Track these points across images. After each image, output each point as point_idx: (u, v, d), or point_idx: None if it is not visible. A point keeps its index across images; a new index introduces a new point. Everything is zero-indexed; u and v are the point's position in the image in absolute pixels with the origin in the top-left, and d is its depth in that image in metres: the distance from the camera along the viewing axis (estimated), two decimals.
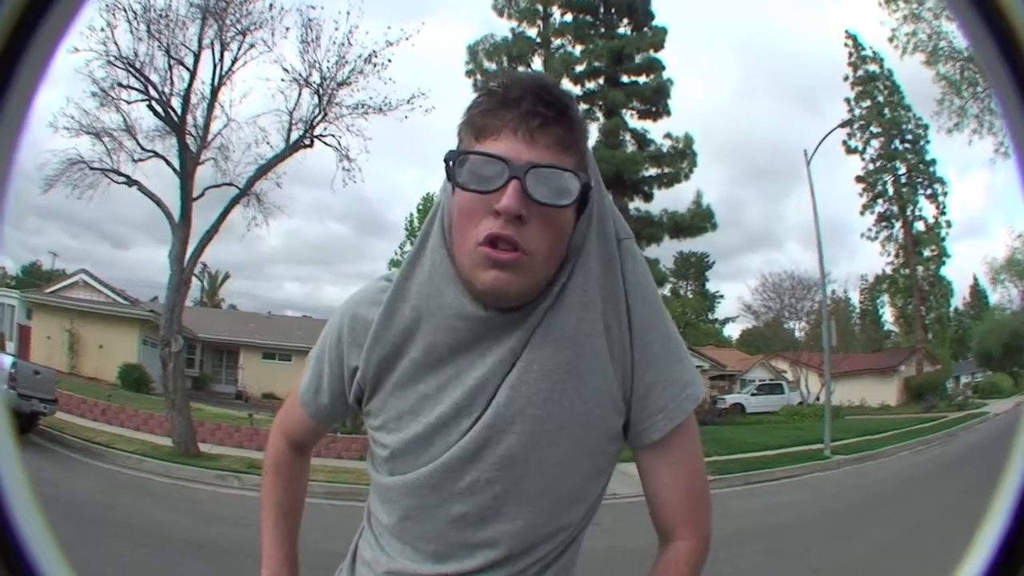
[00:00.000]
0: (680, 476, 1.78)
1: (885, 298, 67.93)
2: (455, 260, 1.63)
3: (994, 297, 68.07)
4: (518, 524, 1.68)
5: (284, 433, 2.10)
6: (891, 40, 45.36)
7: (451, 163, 1.58)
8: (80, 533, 9.00)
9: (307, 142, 23.40)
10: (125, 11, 20.97)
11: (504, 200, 1.50)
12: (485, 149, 1.56)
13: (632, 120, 46.39)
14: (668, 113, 45.96)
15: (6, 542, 1.02)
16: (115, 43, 21.04)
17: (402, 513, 1.76)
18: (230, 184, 23.45)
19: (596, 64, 46.07)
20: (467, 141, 1.63)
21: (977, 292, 76.66)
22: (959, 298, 70.75)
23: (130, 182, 22.25)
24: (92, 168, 22.10)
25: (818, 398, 46.35)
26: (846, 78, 63.48)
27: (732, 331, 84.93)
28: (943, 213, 60.85)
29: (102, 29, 20.63)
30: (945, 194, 61.29)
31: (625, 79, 46.31)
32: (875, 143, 62.60)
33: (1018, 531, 1.02)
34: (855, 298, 76.33)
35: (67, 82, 20.71)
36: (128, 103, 22.10)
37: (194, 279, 27.76)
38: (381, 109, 23.37)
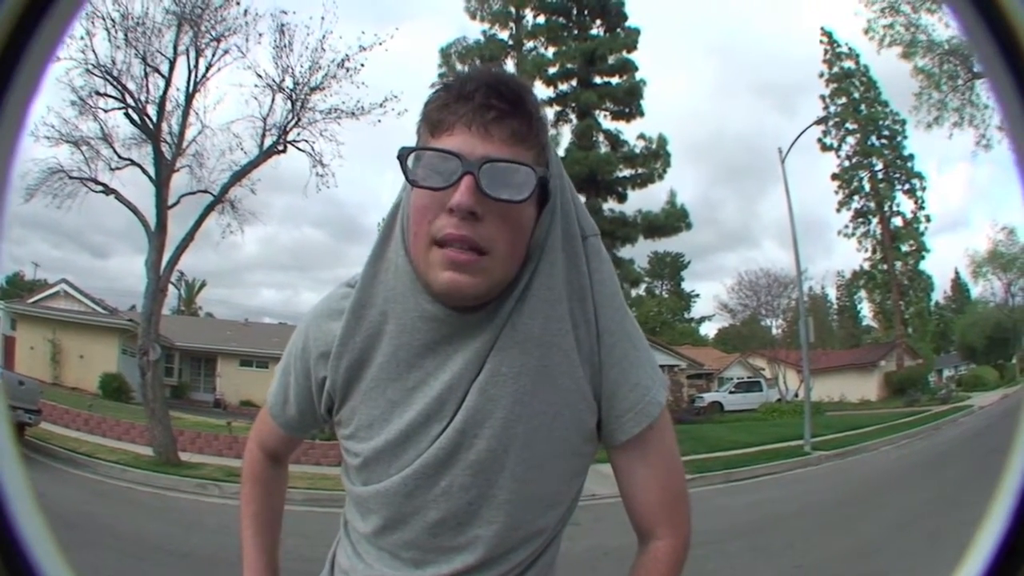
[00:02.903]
0: (655, 475, 1.77)
1: (863, 294, 68.09)
2: (412, 260, 1.62)
3: (976, 290, 68.13)
4: (495, 528, 1.66)
5: (259, 443, 2.09)
6: (867, 32, 45.44)
7: (406, 160, 1.57)
8: (65, 543, 8.93)
9: (281, 148, 23.38)
10: (104, 19, 21.00)
11: (457, 196, 1.48)
12: (439, 145, 1.55)
13: (605, 121, 46.54)
14: (641, 114, 46.11)
15: (7, 543, 1.03)
16: (93, 51, 21.08)
17: (379, 522, 1.74)
18: (205, 191, 23.45)
19: (569, 66, 46.12)
20: (423, 137, 1.61)
21: (959, 286, 76.94)
22: (940, 292, 70.96)
23: (107, 191, 22.20)
24: (71, 177, 22.11)
25: (797, 395, 46.37)
26: (821, 75, 63.52)
27: (709, 330, 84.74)
28: (921, 208, 60.82)
29: (82, 38, 20.64)
30: (923, 189, 61.22)
31: (598, 80, 46.38)
32: (851, 140, 62.53)
33: (1018, 531, 1.04)
34: (832, 294, 76.54)
35: (47, 91, 20.59)
36: (105, 111, 22.16)
37: (171, 287, 27.71)
38: (354, 113, 23.41)
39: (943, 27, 37.91)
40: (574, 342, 1.68)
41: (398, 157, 1.56)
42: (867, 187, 62.03)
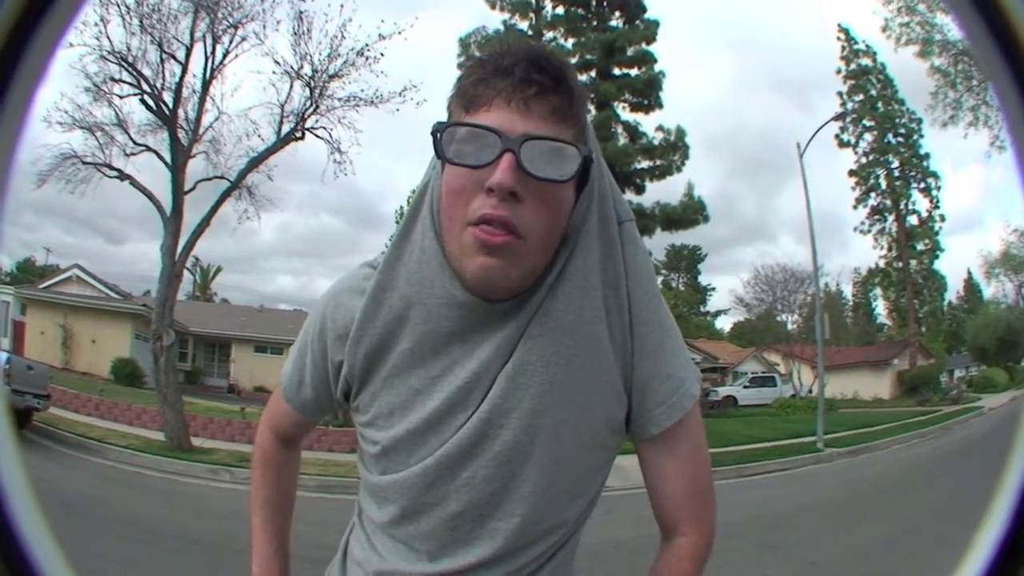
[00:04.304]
0: (683, 470, 1.71)
1: (878, 291, 68.17)
2: (443, 244, 1.55)
3: (988, 291, 68.09)
4: (516, 521, 1.61)
5: (271, 427, 2.05)
6: (884, 30, 45.43)
7: (439, 136, 1.49)
8: (74, 528, 8.99)
9: (298, 135, 23.34)
10: (118, 5, 20.97)
11: (497, 175, 1.41)
12: (476, 120, 1.47)
13: (624, 113, 46.40)
14: (660, 106, 45.95)
15: (6, 541, 1.00)
16: (108, 37, 21.05)
17: (396, 512, 1.69)
18: (221, 177, 23.46)
19: (588, 57, 46.00)
20: (457, 114, 1.54)
21: (971, 286, 76.99)
22: (953, 292, 71.07)
23: (122, 176, 22.23)
24: (85, 163, 22.15)
25: (811, 391, 46.50)
26: (839, 72, 63.57)
27: (724, 324, 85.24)
28: (936, 207, 61.06)
29: (96, 24, 20.61)
30: (939, 188, 61.53)
31: (617, 72, 46.27)
32: (868, 137, 62.74)
33: (1018, 531, 1.01)
34: (848, 291, 76.59)
35: (61, 77, 20.66)
36: (120, 97, 22.18)
37: (186, 273, 27.79)
38: (372, 102, 23.34)
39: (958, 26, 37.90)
40: (607, 331, 1.62)
41: (432, 132, 1.50)
42: (883, 184, 62.29)
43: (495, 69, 1.50)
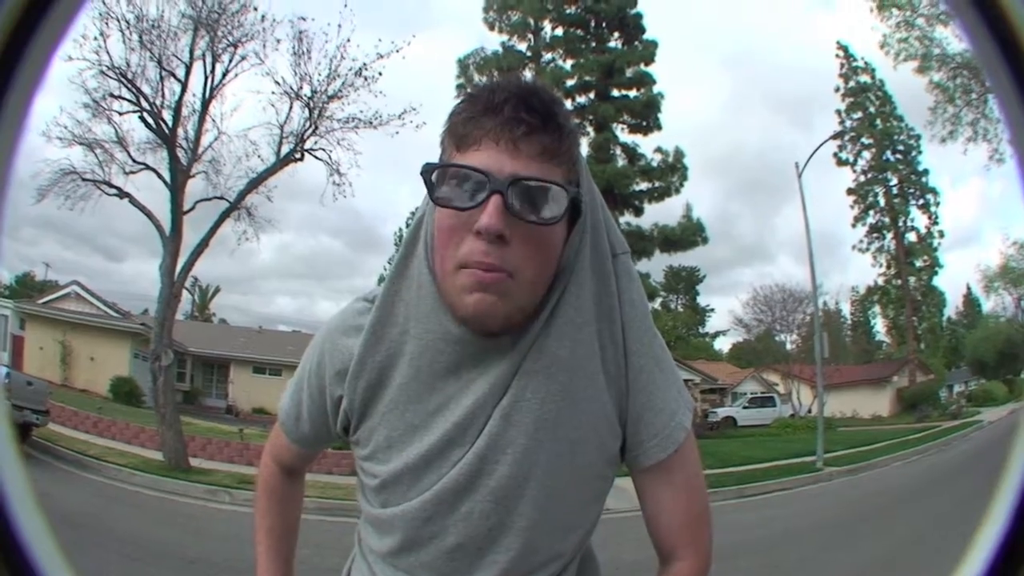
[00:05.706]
0: (678, 498, 1.73)
1: (877, 309, 68.29)
2: (437, 280, 1.56)
3: (988, 305, 68.22)
4: (512, 554, 1.62)
5: (273, 457, 2.06)
6: (882, 46, 45.42)
7: (430, 176, 1.50)
8: (71, 546, 8.92)
9: (298, 156, 23.34)
10: (118, 20, 20.98)
11: (484, 218, 1.42)
12: (465, 161, 1.48)
13: (623, 134, 46.66)
14: (659, 127, 46.21)
15: (7, 543, 1.01)
16: (107, 52, 21.05)
17: (395, 543, 1.70)
18: (221, 198, 23.46)
19: (587, 78, 46.21)
20: (449, 151, 1.55)
21: (970, 301, 77.32)
22: (952, 307, 71.23)
23: (121, 194, 22.20)
24: (84, 179, 22.09)
25: (810, 410, 46.57)
26: (837, 89, 63.71)
27: (723, 344, 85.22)
28: (935, 223, 61.13)
29: (95, 38, 20.64)
30: (937, 204, 61.62)
31: (616, 93, 46.48)
32: (866, 155, 62.85)
33: (1018, 531, 1.02)
34: (846, 310, 76.73)
35: (60, 91, 20.74)
36: (120, 114, 22.13)
37: (185, 293, 27.76)
38: (372, 123, 23.38)
39: (957, 40, 37.83)
40: (600, 365, 1.63)
41: (422, 174, 1.50)
42: (882, 202, 62.34)
43: (485, 107, 1.50)
